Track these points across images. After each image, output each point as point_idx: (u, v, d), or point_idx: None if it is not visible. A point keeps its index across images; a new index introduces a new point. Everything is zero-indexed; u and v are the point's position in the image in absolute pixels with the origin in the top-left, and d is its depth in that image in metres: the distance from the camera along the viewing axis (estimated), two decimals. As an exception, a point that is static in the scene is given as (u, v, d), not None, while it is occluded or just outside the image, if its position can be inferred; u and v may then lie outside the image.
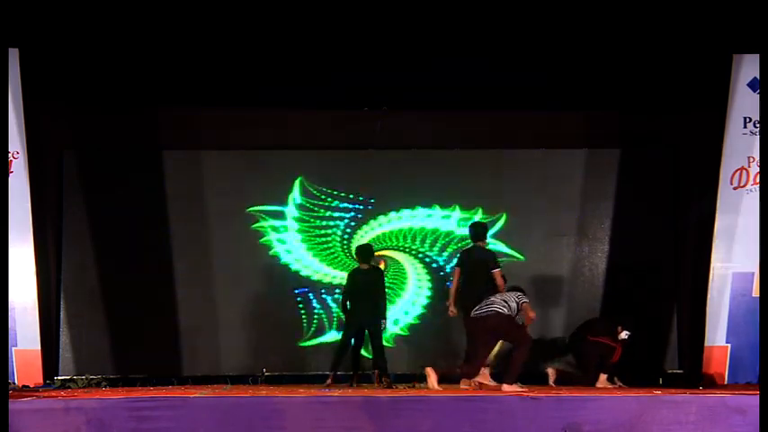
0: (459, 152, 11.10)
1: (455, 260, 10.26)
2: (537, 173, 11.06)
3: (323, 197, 11.02)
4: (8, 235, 8.79)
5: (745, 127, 9.97)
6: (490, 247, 10.03)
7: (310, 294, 10.89)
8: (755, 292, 9.72)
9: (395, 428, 6.79)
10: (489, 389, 8.90)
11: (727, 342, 9.82)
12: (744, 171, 9.91)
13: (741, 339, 9.77)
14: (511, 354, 8.85)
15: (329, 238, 10.99)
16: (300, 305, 10.88)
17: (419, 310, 11.00)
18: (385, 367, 9.85)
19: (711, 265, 9.93)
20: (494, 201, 11.02)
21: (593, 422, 6.82)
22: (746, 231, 9.77)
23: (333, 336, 10.73)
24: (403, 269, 11.02)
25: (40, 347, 9.64)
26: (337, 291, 10.67)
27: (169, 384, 10.08)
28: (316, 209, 11.01)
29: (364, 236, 10.95)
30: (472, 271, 9.50)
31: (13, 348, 9.47)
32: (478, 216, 10.85)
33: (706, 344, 9.89)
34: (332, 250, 10.96)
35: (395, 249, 11.03)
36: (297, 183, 10.95)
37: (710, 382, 9.56)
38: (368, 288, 9.83)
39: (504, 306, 8.68)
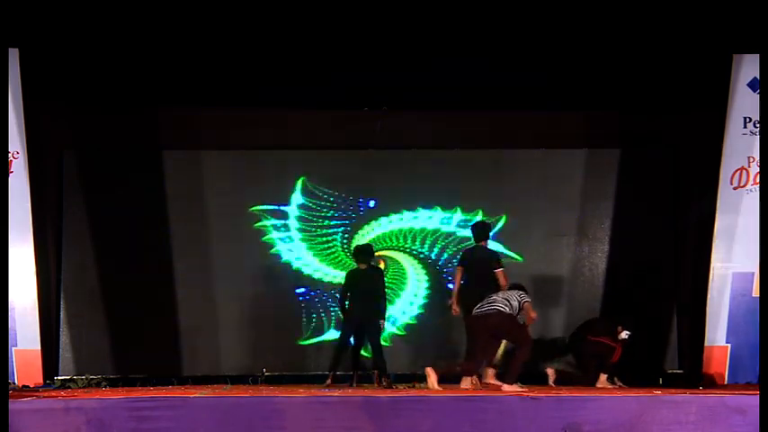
0: (459, 152, 11.10)
1: (455, 260, 10.27)
2: (537, 173, 11.06)
3: (323, 197, 11.02)
4: (8, 235, 8.78)
5: (745, 127, 9.97)
6: (490, 247, 10.03)
7: (311, 294, 10.89)
8: (755, 292, 9.72)
9: (395, 428, 6.79)
10: (495, 389, 8.87)
11: (727, 342, 9.82)
12: (744, 171, 9.91)
13: (741, 339, 9.77)
14: (511, 354, 8.85)
15: (330, 238, 10.99)
16: (302, 305, 10.88)
17: (418, 311, 11.00)
18: (384, 367, 9.84)
19: (711, 265, 9.93)
20: (494, 201, 11.02)
21: (593, 422, 6.82)
22: (746, 231, 9.77)
23: (332, 335, 10.73)
24: (402, 269, 11.02)
25: (40, 347, 9.63)
26: (337, 291, 10.65)
27: (169, 384, 10.08)
28: (316, 209, 11.01)
29: (364, 236, 10.96)
30: (475, 270, 9.50)
31: (13, 348, 9.46)
32: (479, 217, 10.85)
33: (706, 344, 9.89)
34: (332, 250, 10.96)
35: (394, 249, 11.03)
36: (299, 182, 10.95)
37: (710, 382, 9.55)
38: (366, 288, 9.82)
39: (505, 305, 8.67)
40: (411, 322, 10.98)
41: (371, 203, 11.04)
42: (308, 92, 10.47)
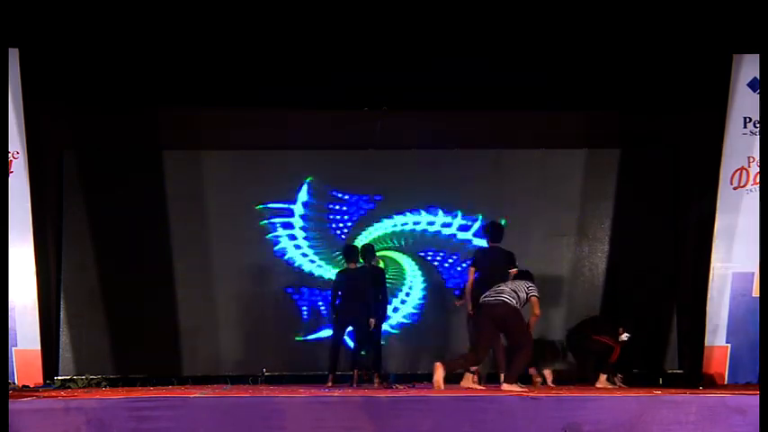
0: (459, 152, 11.10)
1: (451, 260, 10.26)
2: (537, 173, 11.07)
3: (323, 197, 11.02)
4: (8, 235, 8.78)
5: (745, 127, 9.97)
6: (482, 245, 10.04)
7: (311, 293, 10.89)
8: (755, 292, 9.72)
9: (395, 428, 6.78)
10: (495, 389, 8.83)
11: (727, 342, 9.82)
12: (744, 171, 9.91)
13: (741, 339, 9.77)
14: (513, 354, 8.81)
15: (330, 238, 10.99)
16: (302, 305, 10.88)
17: (418, 311, 11.00)
18: (376, 365, 9.87)
19: (711, 265, 9.93)
20: (494, 201, 11.03)
21: (593, 422, 6.81)
22: (746, 231, 9.77)
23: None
24: (402, 269, 11.03)
25: (40, 347, 9.63)
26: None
27: (169, 384, 10.08)
28: (316, 209, 11.01)
29: (364, 236, 10.96)
30: (489, 271, 9.41)
31: (13, 348, 9.46)
32: (480, 218, 10.87)
33: (706, 344, 9.89)
34: (333, 249, 10.94)
35: (394, 250, 11.04)
36: (304, 182, 10.96)
37: (710, 382, 9.55)
38: (358, 287, 9.82)
39: (512, 297, 8.56)
40: (410, 322, 10.97)
41: (371, 203, 11.04)
42: (308, 92, 10.48)
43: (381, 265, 10.67)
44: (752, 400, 6.88)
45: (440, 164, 11.07)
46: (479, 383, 8.96)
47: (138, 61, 10.20)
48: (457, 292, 10.38)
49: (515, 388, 8.35)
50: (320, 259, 10.97)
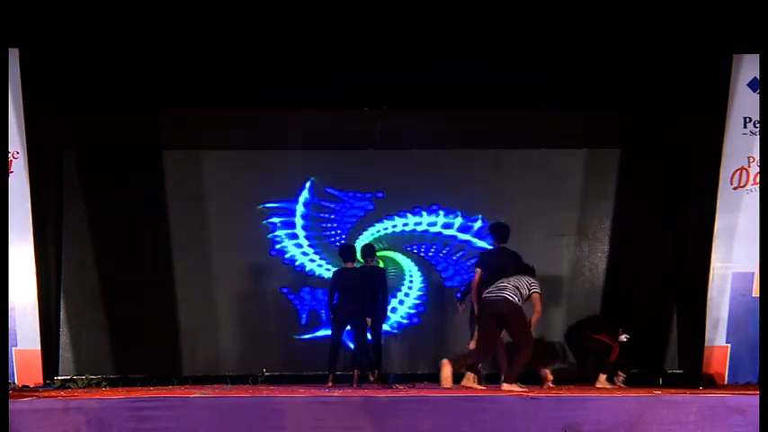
0: (459, 152, 11.10)
1: (452, 259, 10.25)
2: (537, 173, 11.06)
3: (323, 197, 11.02)
4: (8, 235, 8.79)
5: (745, 127, 9.97)
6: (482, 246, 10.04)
7: (312, 293, 10.89)
8: (755, 292, 9.72)
9: (395, 428, 6.79)
10: (495, 389, 8.83)
11: (727, 342, 9.82)
12: (744, 171, 9.91)
13: (741, 339, 9.77)
14: (513, 354, 8.80)
15: (331, 238, 10.99)
16: (302, 305, 10.88)
17: (418, 311, 11.00)
18: (376, 365, 9.88)
19: (711, 265, 9.93)
20: (494, 201, 11.02)
21: (593, 422, 6.82)
22: (746, 231, 9.77)
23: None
24: (401, 269, 11.03)
25: (40, 347, 9.64)
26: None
27: (169, 384, 10.08)
28: (317, 208, 11.02)
29: (364, 236, 10.96)
30: (496, 272, 9.38)
31: (13, 348, 9.46)
32: (480, 219, 10.88)
33: (706, 344, 9.89)
34: (333, 249, 10.94)
35: (394, 250, 11.04)
36: (307, 183, 10.95)
37: (710, 382, 9.55)
38: (355, 286, 9.82)
39: (515, 294, 8.53)
40: (410, 322, 10.98)
41: (371, 203, 11.04)
42: (308, 92, 10.47)
43: (381, 264, 10.68)
44: (752, 400, 6.88)
45: (440, 164, 11.07)
46: (479, 383, 8.95)
47: (138, 61, 10.19)
48: (458, 295, 10.38)
49: (515, 388, 8.35)
50: (321, 258, 10.97)
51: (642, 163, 11.06)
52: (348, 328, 10.01)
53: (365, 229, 11.02)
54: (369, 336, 10.12)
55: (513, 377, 8.51)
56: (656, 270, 10.89)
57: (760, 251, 9.39)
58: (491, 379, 9.41)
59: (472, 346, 9.07)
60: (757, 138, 9.84)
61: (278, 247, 10.95)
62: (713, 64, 10.11)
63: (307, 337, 10.85)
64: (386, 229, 11.04)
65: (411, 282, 11.04)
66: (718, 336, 9.85)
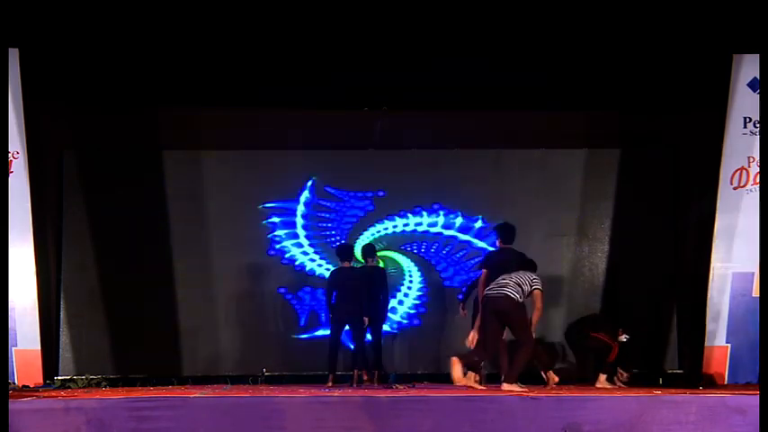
0: (459, 152, 11.10)
1: (453, 259, 10.24)
2: (537, 173, 11.07)
3: (323, 197, 11.02)
4: (8, 235, 8.79)
5: (745, 127, 9.97)
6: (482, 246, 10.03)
7: (312, 292, 10.89)
8: (755, 292, 9.72)
9: (395, 428, 6.79)
10: (495, 389, 8.82)
11: (727, 342, 9.82)
12: (744, 171, 9.91)
13: (741, 339, 9.77)
14: (513, 353, 8.79)
15: (331, 237, 10.99)
16: (302, 305, 10.89)
17: (418, 311, 11.00)
18: (376, 365, 9.91)
19: (711, 265, 9.93)
20: (494, 201, 11.03)
21: (593, 422, 6.82)
22: (746, 231, 9.77)
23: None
24: (401, 269, 11.03)
25: (40, 347, 9.64)
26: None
27: (169, 384, 10.08)
28: (317, 208, 11.02)
29: (365, 235, 10.96)
30: (501, 271, 9.31)
31: (13, 348, 9.46)
32: (480, 219, 10.88)
33: (706, 344, 9.89)
34: (334, 249, 10.94)
35: (394, 250, 11.04)
36: (308, 182, 10.95)
37: (710, 382, 9.55)
38: (353, 286, 9.83)
39: (516, 291, 8.49)
40: (410, 322, 10.98)
41: (371, 203, 11.04)
42: (308, 92, 10.48)
43: (381, 264, 10.68)
44: (752, 400, 6.88)
45: (440, 164, 11.07)
46: (480, 383, 8.95)
47: (138, 61, 10.20)
48: (460, 297, 10.37)
49: (515, 388, 8.34)
50: (321, 258, 10.97)
51: (642, 163, 11.07)
52: (347, 328, 10.01)
53: (365, 229, 11.02)
54: (369, 336, 10.14)
55: (514, 377, 8.50)
56: (656, 270, 10.89)
57: (760, 251, 9.39)
58: (491, 379, 9.41)
59: (470, 341, 9.02)
60: (757, 138, 9.84)
61: (278, 246, 10.95)
62: (713, 64, 10.11)
63: (305, 336, 10.85)
64: (386, 229, 11.04)
65: (411, 282, 11.04)
66: (718, 336, 9.85)
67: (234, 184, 10.97)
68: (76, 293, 10.69)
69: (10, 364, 9.36)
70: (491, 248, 10.49)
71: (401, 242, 11.05)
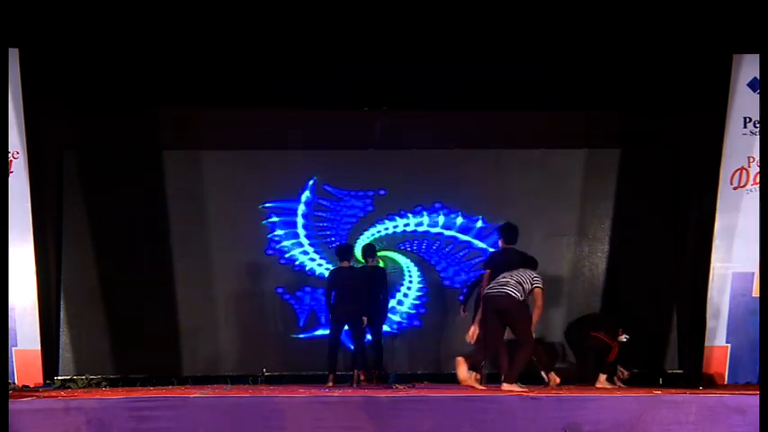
0: (459, 152, 11.10)
1: (452, 258, 10.22)
2: (537, 173, 11.06)
3: (323, 197, 11.03)
4: (8, 235, 8.79)
5: (745, 127, 9.97)
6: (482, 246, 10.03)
7: (312, 292, 10.89)
8: (755, 292, 9.72)
9: (395, 428, 6.79)
10: (495, 389, 8.81)
11: (727, 342, 9.83)
12: (744, 171, 9.91)
13: (741, 339, 9.78)
14: (513, 353, 8.78)
15: (331, 237, 10.99)
16: (303, 304, 10.89)
17: (418, 311, 11.00)
18: (369, 364, 9.91)
19: (711, 265, 9.94)
20: (494, 201, 11.03)
21: (593, 422, 6.82)
22: (746, 231, 9.78)
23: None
24: (401, 270, 11.03)
25: (40, 347, 9.65)
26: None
27: (169, 384, 10.08)
28: (317, 208, 11.02)
29: (366, 235, 10.96)
30: (502, 272, 9.29)
31: (13, 348, 9.47)
32: (481, 220, 10.88)
33: (706, 344, 9.90)
34: (334, 249, 10.94)
35: (394, 250, 11.04)
36: (309, 182, 10.96)
37: (710, 382, 9.55)
38: (351, 285, 9.83)
39: (517, 290, 8.46)
40: (410, 322, 10.98)
41: (371, 203, 11.04)
42: (308, 92, 10.48)
43: (381, 264, 10.67)
44: (752, 400, 6.88)
45: (440, 164, 11.07)
46: (480, 383, 8.95)
47: (138, 61, 10.20)
48: (461, 298, 10.36)
49: (515, 388, 8.33)
50: (321, 258, 10.97)
51: (642, 163, 11.06)
52: (346, 327, 10.01)
53: (365, 229, 11.02)
54: (369, 336, 10.13)
55: (514, 377, 8.50)
56: (656, 270, 10.89)
57: (760, 251, 9.39)
58: (491, 379, 9.41)
59: (470, 335, 8.99)
60: (757, 138, 9.84)
61: (278, 246, 10.95)
62: (713, 64, 10.11)
63: (304, 336, 10.84)
64: (386, 229, 11.04)
65: (411, 282, 11.04)
66: (718, 336, 9.85)
67: (234, 184, 10.97)
68: (76, 293, 10.69)
69: (10, 364, 9.36)
70: (491, 249, 10.50)
71: (401, 242, 11.04)
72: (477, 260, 10.80)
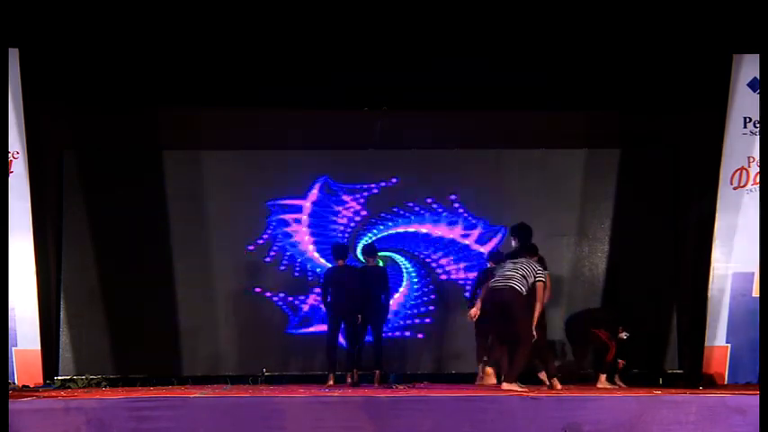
0: (459, 152, 11.10)
1: (452, 258, 10.21)
2: (537, 173, 11.06)
3: (324, 196, 11.03)
4: (8, 235, 8.79)
5: (745, 127, 9.98)
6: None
7: (311, 292, 10.89)
8: (755, 292, 9.73)
9: (395, 428, 6.79)
10: (495, 389, 8.82)
11: (727, 342, 9.83)
12: (744, 171, 9.92)
13: (741, 339, 9.78)
14: (513, 353, 8.77)
15: (331, 237, 10.99)
16: (302, 304, 10.89)
17: (418, 311, 11.00)
18: (379, 363, 9.92)
19: (711, 265, 9.94)
20: (494, 201, 11.03)
21: (593, 422, 6.82)
22: (746, 231, 9.78)
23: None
24: (401, 270, 11.02)
25: (40, 347, 9.65)
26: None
27: (169, 384, 10.08)
28: (317, 209, 11.01)
29: (365, 235, 10.96)
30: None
31: (13, 348, 9.47)
32: (481, 220, 10.89)
33: (706, 344, 9.90)
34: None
35: (394, 250, 11.03)
36: (324, 178, 10.96)
37: (710, 382, 9.55)
38: (350, 284, 9.84)
39: (521, 284, 8.43)
40: (411, 322, 10.98)
41: (371, 203, 11.03)
42: (308, 92, 10.48)
43: (381, 264, 10.67)
44: (752, 400, 6.89)
45: (440, 164, 11.06)
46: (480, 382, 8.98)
47: (138, 61, 10.20)
48: (467, 295, 10.35)
49: (515, 388, 8.33)
50: (321, 258, 10.96)
51: (642, 163, 11.06)
52: (349, 327, 10.00)
53: (365, 229, 11.02)
54: (368, 335, 10.12)
55: (514, 376, 8.49)
56: (656, 270, 10.88)
57: (760, 251, 9.40)
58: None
59: (471, 315, 8.97)
60: (757, 138, 9.85)
61: (278, 246, 10.94)
62: (713, 64, 10.12)
63: (303, 332, 10.83)
64: (386, 229, 11.03)
65: (411, 282, 11.03)
66: (718, 336, 9.86)
67: (234, 184, 10.97)
68: (76, 293, 10.68)
69: (10, 364, 9.37)
70: (491, 249, 10.52)
71: (401, 242, 11.04)
72: (477, 260, 10.79)
